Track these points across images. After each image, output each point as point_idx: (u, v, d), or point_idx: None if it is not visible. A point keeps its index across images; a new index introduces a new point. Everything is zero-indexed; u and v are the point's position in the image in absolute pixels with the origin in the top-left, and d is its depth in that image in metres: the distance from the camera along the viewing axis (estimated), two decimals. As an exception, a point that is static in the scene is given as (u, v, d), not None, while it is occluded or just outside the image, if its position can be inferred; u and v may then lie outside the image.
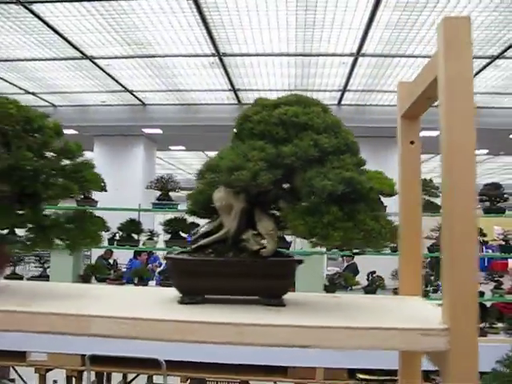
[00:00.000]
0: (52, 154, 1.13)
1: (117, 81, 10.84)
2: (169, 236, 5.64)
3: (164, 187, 5.60)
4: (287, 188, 1.03)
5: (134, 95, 11.83)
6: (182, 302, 1.01)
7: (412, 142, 1.28)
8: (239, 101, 12.05)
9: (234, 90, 11.34)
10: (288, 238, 5.56)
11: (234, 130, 1.12)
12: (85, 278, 5.57)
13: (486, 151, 16.06)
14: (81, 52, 9.33)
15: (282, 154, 0.96)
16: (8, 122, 1.06)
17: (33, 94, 11.89)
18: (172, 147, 16.21)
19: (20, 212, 1.08)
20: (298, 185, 0.97)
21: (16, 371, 5.02)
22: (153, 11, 7.74)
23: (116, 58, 9.62)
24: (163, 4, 7.53)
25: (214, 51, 9.16)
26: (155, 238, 6.08)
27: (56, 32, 8.48)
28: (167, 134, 13.53)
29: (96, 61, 9.77)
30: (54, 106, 12.77)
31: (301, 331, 0.88)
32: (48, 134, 1.11)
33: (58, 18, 8.05)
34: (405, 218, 1.25)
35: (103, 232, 1.24)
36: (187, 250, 1.08)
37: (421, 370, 1.26)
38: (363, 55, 9.29)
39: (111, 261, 8.40)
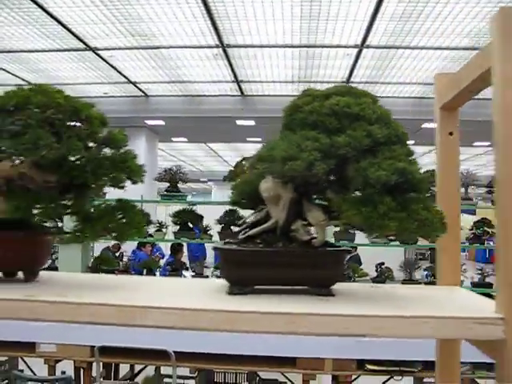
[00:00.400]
0: (92, 143, 1.13)
1: (120, 72, 10.81)
2: (177, 227, 5.65)
3: (173, 179, 5.59)
4: (335, 178, 1.03)
5: (136, 86, 11.81)
6: (231, 292, 1.01)
7: (451, 133, 1.29)
8: (242, 92, 12.03)
9: (238, 82, 11.32)
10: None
11: (283, 121, 1.12)
12: (94, 270, 5.58)
13: (488, 143, 16.07)
14: (84, 43, 9.30)
15: (335, 144, 0.97)
16: (56, 112, 1.06)
17: (35, 85, 11.82)
18: (174, 139, 16.19)
19: (66, 202, 1.08)
20: (351, 175, 0.97)
21: (25, 362, 5.04)
22: (157, 2, 7.71)
23: (119, 49, 9.59)
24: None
25: (217, 42, 9.12)
26: (164, 230, 6.08)
27: (59, 23, 8.44)
28: (170, 125, 13.51)
29: (99, 52, 9.74)
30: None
31: (355, 320, 0.89)
32: (95, 123, 1.11)
33: (61, 9, 8.01)
34: (443, 208, 1.25)
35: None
36: (235, 241, 1.08)
37: (459, 361, 1.27)
38: (368, 47, 9.26)
39: (117, 253, 8.42)
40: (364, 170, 0.94)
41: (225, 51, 9.52)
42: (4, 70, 10.81)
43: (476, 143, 16.06)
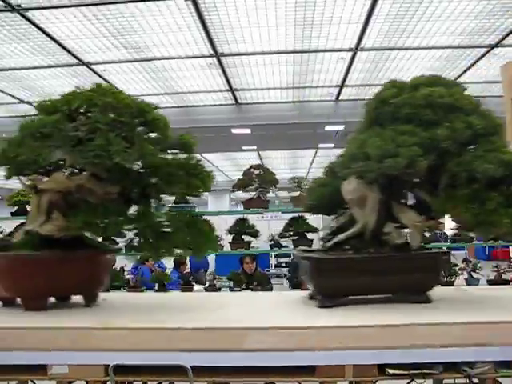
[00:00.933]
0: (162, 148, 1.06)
1: (114, 86, 10.72)
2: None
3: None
4: (428, 175, 0.96)
5: (130, 100, 11.72)
6: (322, 305, 0.93)
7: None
8: (237, 101, 11.99)
9: (232, 90, 11.28)
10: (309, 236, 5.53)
11: (367, 115, 1.06)
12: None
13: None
14: (77, 58, 9.24)
15: (435, 138, 0.90)
16: (123, 114, 0.99)
17: (28, 103, 11.76)
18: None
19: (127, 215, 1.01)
20: (452, 170, 0.91)
21: (36, 386, 4.91)
22: (151, 13, 7.66)
23: (113, 62, 9.55)
24: (161, 6, 7.45)
25: (212, 51, 9.08)
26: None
27: (52, 39, 8.38)
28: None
29: (92, 66, 9.69)
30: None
31: (476, 328, 0.82)
32: (161, 126, 1.05)
33: (53, 25, 7.95)
34: None
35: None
36: (321, 249, 1.01)
37: None
38: (362, 49, 9.25)
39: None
40: (468, 163, 0.87)
41: (219, 60, 9.48)
42: (-3, 89, 10.74)
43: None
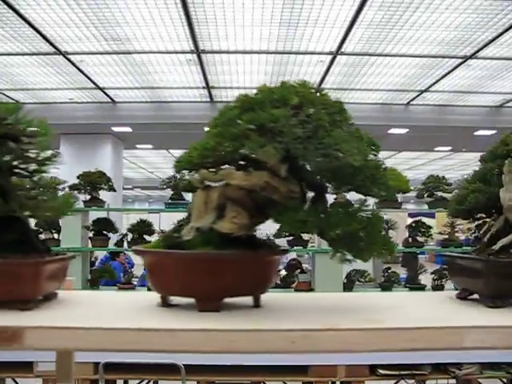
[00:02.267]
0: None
1: (89, 78, 10.56)
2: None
3: (176, 186, 5.45)
4: None
5: (104, 93, 11.55)
6: (494, 305, 0.94)
7: None
8: (212, 98, 11.94)
9: (208, 88, 11.23)
10: (305, 237, 5.54)
11: None
12: (94, 283, 5.38)
13: (449, 148, 16.52)
14: (54, 47, 9.03)
15: None
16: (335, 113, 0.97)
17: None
18: (139, 146, 15.94)
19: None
20: None
21: (18, 385, 4.74)
22: (136, 6, 7.57)
23: (91, 53, 9.37)
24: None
25: (193, 48, 9.03)
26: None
27: (31, 25, 8.17)
28: (136, 132, 13.28)
29: (69, 56, 9.49)
30: (18, 103, 12.32)
31: None
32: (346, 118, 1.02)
33: (34, 11, 7.76)
34: None
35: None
36: (490, 252, 1.02)
37: None
38: (342, 54, 9.34)
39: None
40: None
41: (199, 57, 9.43)
42: (-35, 74, 10.41)
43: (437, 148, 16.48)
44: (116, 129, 13.13)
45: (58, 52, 9.26)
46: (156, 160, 19.82)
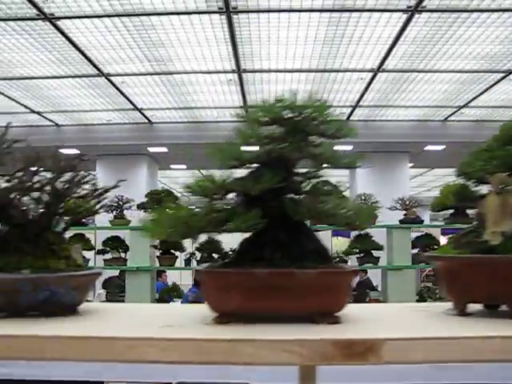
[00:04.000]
0: None
1: (128, 99, 10.65)
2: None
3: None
4: None
5: (142, 113, 11.64)
6: None
7: None
8: (248, 118, 11.95)
9: (246, 107, 11.24)
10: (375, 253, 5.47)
11: None
12: (162, 301, 5.36)
13: None
14: (98, 69, 9.14)
15: None
16: None
17: (38, 113, 11.62)
18: (173, 166, 16.01)
19: None
20: None
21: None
22: (183, 27, 7.63)
23: (132, 75, 9.47)
24: (195, 19, 7.43)
25: (234, 67, 9.07)
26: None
27: (77, 48, 8.29)
28: (172, 152, 13.35)
29: (111, 78, 9.59)
30: (57, 125, 12.50)
31: None
32: None
33: (82, 34, 7.87)
34: None
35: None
36: None
37: None
38: (383, 71, 9.31)
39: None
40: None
41: (240, 76, 9.47)
42: (9, 97, 10.55)
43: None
44: (152, 149, 13.21)
45: (101, 74, 9.36)
46: (187, 180, 19.85)
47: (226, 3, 6.95)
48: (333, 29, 7.75)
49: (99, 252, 5.78)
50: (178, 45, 8.25)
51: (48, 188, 0.92)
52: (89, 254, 6.08)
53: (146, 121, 12.21)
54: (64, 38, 7.96)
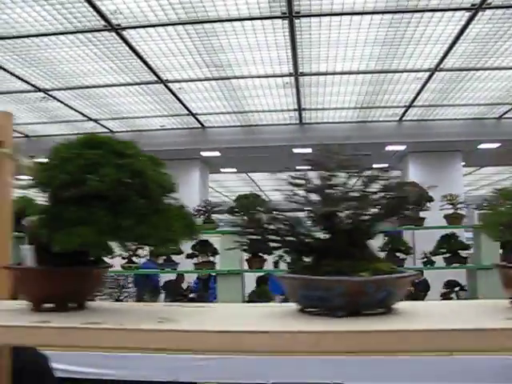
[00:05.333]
0: None
1: (184, 104, 10.82)
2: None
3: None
4: None
5: (196, 118, 11.80)
6: None
7: None
8: (301, 120, 12.01)
9: (300, 110, 11.31)
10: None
11: None
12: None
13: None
14: (157, 76, 9.32)
15: None
16: None
17: (95, 120, 11.89)
18: (223, 169, 16.16)
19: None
20: None
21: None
22: (244, 32, 7.73)
23: (190, 80, 9.61)
24: (257, 24, 7.52)
25: (292, 71, 9.13)
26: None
27: (139, 57, 8.47)
28: (224, 156, 13.48)
29: (169, 84, 9.76)
30: (111, 131, 12.75)
31: None
32: None
33: (145, 43, 8.04)
34: None
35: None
36: None
37: None
38: (441, 70, 9.24)
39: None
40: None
41: (296, 79, 9.52)
42: (68, 106, 10.83)
43: None
44: (205, 153, 13.37)
45: (160, 80, 9.54)
46: (233, 184, 20.03)
47: (290, 8, 7.03)
48: (393, 30, 7.74)
49: (188, 256, 5.90)
50: (237, 50, 8.35)
51: (359, 193, 0.98)
52: (177, 258, 6.23)
53: (199, 125, 12.36)
54: (127, 47, 8.15)
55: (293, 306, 1.03)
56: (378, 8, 7.11)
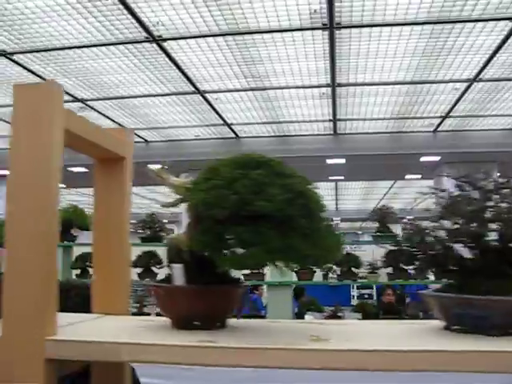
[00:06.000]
0: None
1: (219, 114, 10.88)
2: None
3: (382, 219, 5.46)
4: None
5: (231, 128, 11.86)
6: None
7: None
8: (335, 131, 11.98)
9: (334, 121, 11.29)
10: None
11: None
12: (299, 316, 5.46)
13: None
14: (195, 86, 9.39)
15: None
16: None
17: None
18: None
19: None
20: None
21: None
22: (284, 42, 7.76)
23: (227, 91, 9.67)
24: (297, 35, 7.54)
25: (329, 82, 9.13)
26: (377, 272, 5.91)
27: (178, 67, 8.56)
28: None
29: (206, 95, 9.83)
30: (146, 141, 12.89)
31: None
32: None
33: (185, 54, 8.12)
34: None
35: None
36: None
37: None
38: (479, 80, 9.15)
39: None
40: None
41: (333, 90, 9.51)
42: (106, 116, 10.99)
43: None
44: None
45: (197, 91, 9.61)
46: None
47: (331, 19, 7.03)
48: (434, 40, 7.70)
49: None
50: (276, 61, 8.38)
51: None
52: None
53: (234, 136, 12.41)
54: (167, 58, 8.23)
55: (426, 323, 1.03)
56: (419, 19, 7.08)
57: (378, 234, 5.66)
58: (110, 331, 1.08)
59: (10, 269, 0.94)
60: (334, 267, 5.52)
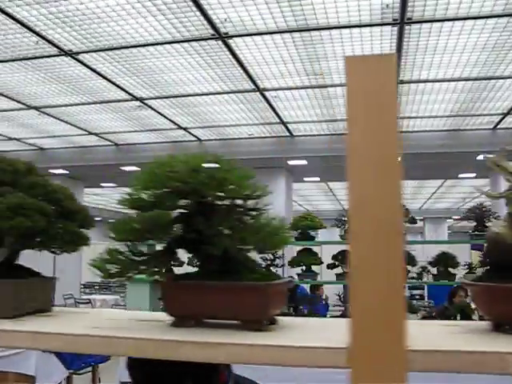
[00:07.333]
0: None
1: (276, 113, 10.82)
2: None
3: (480, 217, 5.32)
4: None
5: (286, 127, 11.79)
6: None
7: None
8: (392, 129, 11.78)
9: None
10: None
11: None
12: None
13: None
14: (255, 84, 9.35)
15: None
16: None
17: (184, 129, 12.05)
18: (306, 178, 16.11)
19: None
20: None
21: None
22: (351, 39, 7.65)
23: (287, 89, 9.60)
24: (365, 31, 7.43)
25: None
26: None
27: (240, 65, 8.52)
28: (310, 165, 13.42)
29: (265, 93, 9.77)
30: (199, 140, 12.91)
31: None
32: None
33: (249, 51, 8.08)
34: None
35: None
36: None
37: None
38: (546, 76, 8.89)
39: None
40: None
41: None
42: (162, 114, 11.03)
43: None
44: (292, 162, 13.33)
45: (257, 89, 9.57)
46: (309, 192, 19.96)
47: (402, 14, 6.90)
48: (507, 34, 7.48)
49: (328, 266, 5.85)
50: (340, 57, 8.27)
51: None
52: (316, 268, 6.19)
53: (288, 134, 12.34)
54: (230, 56, 8.21)
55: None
56: (495, 11, 6.89)
57: (475, 233, 5.48)
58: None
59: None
60: (428, 266, 5.37)
